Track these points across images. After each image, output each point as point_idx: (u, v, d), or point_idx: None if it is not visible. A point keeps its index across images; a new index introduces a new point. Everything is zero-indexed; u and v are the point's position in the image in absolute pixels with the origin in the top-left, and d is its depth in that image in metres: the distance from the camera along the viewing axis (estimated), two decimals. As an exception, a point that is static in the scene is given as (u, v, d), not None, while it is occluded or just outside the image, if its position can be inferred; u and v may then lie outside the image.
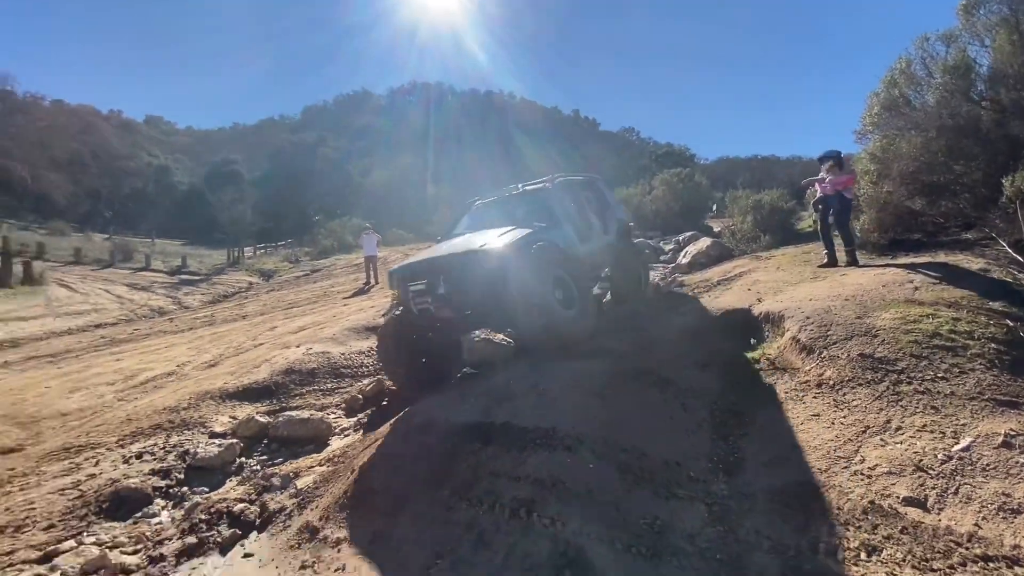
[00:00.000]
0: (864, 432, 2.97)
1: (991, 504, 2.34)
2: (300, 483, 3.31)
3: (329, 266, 20.16)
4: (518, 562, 2.26)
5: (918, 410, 3.02)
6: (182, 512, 3.12)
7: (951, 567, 2.10)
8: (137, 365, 6.15)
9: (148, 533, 2.93)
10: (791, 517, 2.54)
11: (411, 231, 27.87)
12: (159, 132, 69.73)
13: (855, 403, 3.21)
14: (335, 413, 4.64)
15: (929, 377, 3.23)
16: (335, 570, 2.41)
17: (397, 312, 5.06)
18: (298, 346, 6.20)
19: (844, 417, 3.14)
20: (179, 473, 3.54)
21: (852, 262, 5.62)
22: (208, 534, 2.86)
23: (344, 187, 38.13)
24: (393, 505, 2.77)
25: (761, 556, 2.30)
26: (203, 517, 2.99)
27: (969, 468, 2.57)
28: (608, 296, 6.95)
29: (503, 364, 4.74)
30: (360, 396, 4.97)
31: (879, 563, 2.17)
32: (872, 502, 2.49)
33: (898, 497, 2.48)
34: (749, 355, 4.26)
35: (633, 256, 6.76)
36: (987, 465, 2.55)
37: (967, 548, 2.18)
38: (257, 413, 4.45)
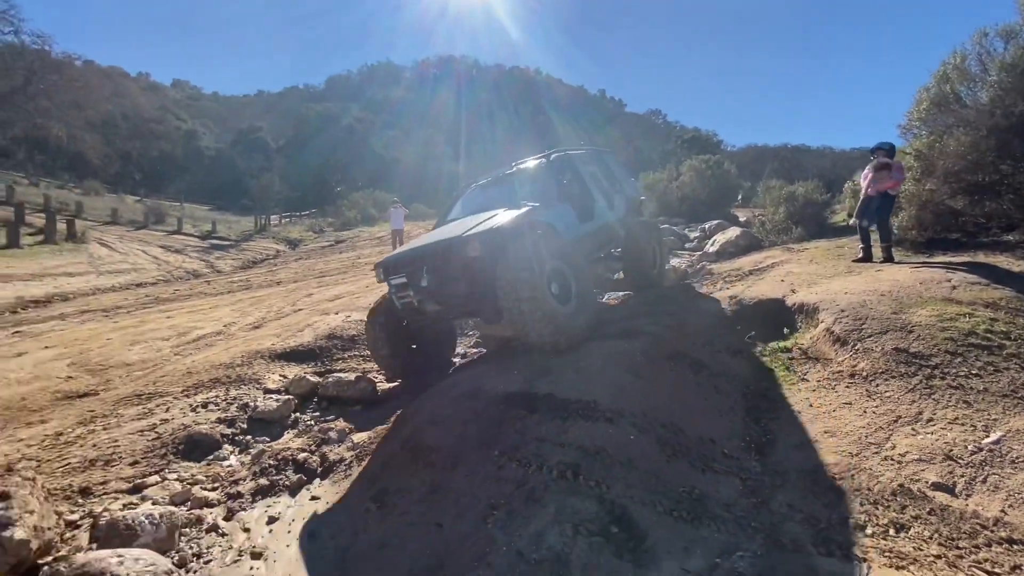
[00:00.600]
0: (896, 421, 3.10)
1: (1018, 493, 2.47)
2: (356, 438, 3.57)
3: (352, 238, 20.48)
4: (568, 517, 2.47)
5: (950, 404, 3.13)
6: (250, 457, 3.40)
7: (976, 547, 2.26)
8: (187, 323, 6.48)
9: (222, 473, 3.21)
10: (822, 494, 2.70)
11: (433, 206, 28.04)
12: (185, 96, 70.37)
13: (888, 394, 3.33)
14: (377, 378, 4.89)
15: (963, 373, 3.33)
16: (399, 513, 2.66)
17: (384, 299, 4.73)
18: (337, 313, 6.47)
19: (876, 407, 3.27)
20: (242, 423, 3.83)
21: (888, 258, 5.63)
22: (277, 477, 3.13)
23: (367, 159, 38.27)
24: (447, 461, 3.00)
25: (793, 526, 2.48)
26: (271, 463, 3.26)
27: (998, 460, 2.69)
28: (621, 275, 6.82)
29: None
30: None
31: (907, 539, 2.33)
32: (901, 485, 2.64)
33: (927, 482, 2.62)
34: (782, 344, 4.37)
35: (645, 233, 6.23)
36: (1016, 458, 2.67)
37: (992, 531, 2.32)
38: (305, 373, 4.72)
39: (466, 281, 4.00)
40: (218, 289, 10.11)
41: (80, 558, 2.00)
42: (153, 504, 2.77)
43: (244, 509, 2.87)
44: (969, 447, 2.79)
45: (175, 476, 3.12)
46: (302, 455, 3.36)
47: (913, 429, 3.01)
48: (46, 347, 5.50)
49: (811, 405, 3.53)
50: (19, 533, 2.26)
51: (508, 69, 76.44)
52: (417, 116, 50.85)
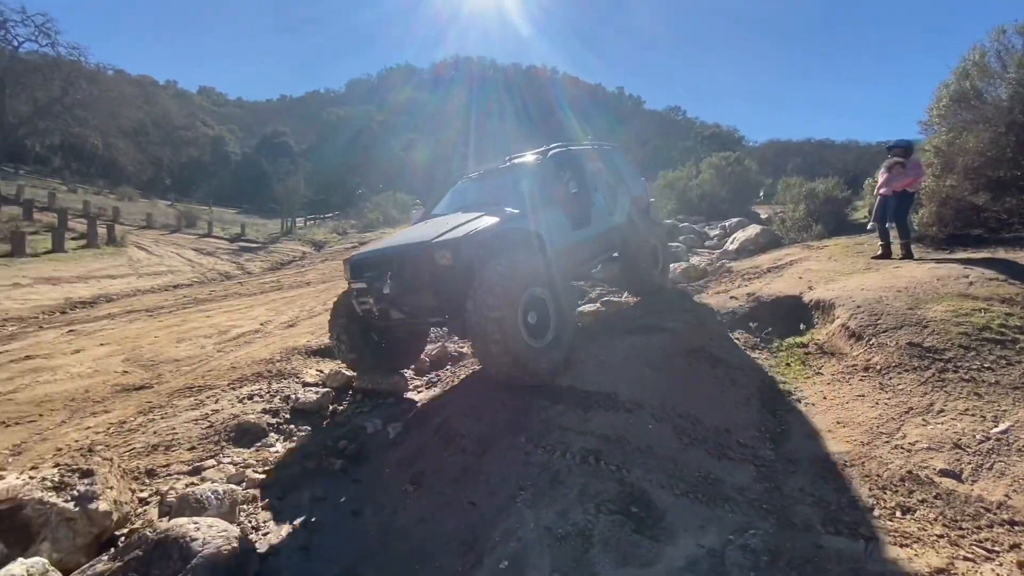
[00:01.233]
0: (907, 412, 3.22)
1: (1023, 479, 2.59)
2: (391, 427, 3.82)
3: (375, 239, 20.95)
4: (591, 497, 2.67)
5: (961, 396, 3.24)
6: (294, 444, 3.69)
7: (978, 527, 2.39)
8: (226, 322, 6.86)
9: (270, 458, 3.50)
10: (833, 480, 2.85)
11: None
12: (211, 102, 72.31)
13: (900, 387, 3.45)
14: (407, 372, 5.15)
15: (975, 367, 3.42)
16: (435, 493, 2.90)
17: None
18: (366, 312, 6.77)
19: (888, 399, 3.39)
20: (285, 414, 4.12)
21: (907, 255, 5.68)
22: (321, 462, 3.40)
23: (386, 161, 38.94)
24: (477, 447, 3.23)
25: (804, 508, 2.64)
26: (314, 449, 3.54)
27: (1005, 448, 2.80)
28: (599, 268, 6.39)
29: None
30: (427, 359, 5.47)
31: (912, 520, 2.47)
32: (910, 472, 2.77)
33: (935, 469, 2.75)
34: (798, 339, 4.49)
35: (646, 239, 5.77)
36: (1023, 447, 2.78)
37: (995, 514, 2.45)
38: (340, 368, 5.01)
39: (433, 291, 3.62)
40: (251, 290, 10.56)
41: (162, 524, 2.28)
42: (213, 483, 3.06)
43: (293, 491, 3.14)
44: (977, 436, 2.90)
45: (229, 460, 3.42)
46: (342, 443, 3.62)
47: (924, 420, 3.12)
48: (101, 344, 5.92)
49: (825, 397, 3.66)
50: (102, 505, 2.56)
51: (524, 68, 76.67)
52: (435, 117, 51.45)
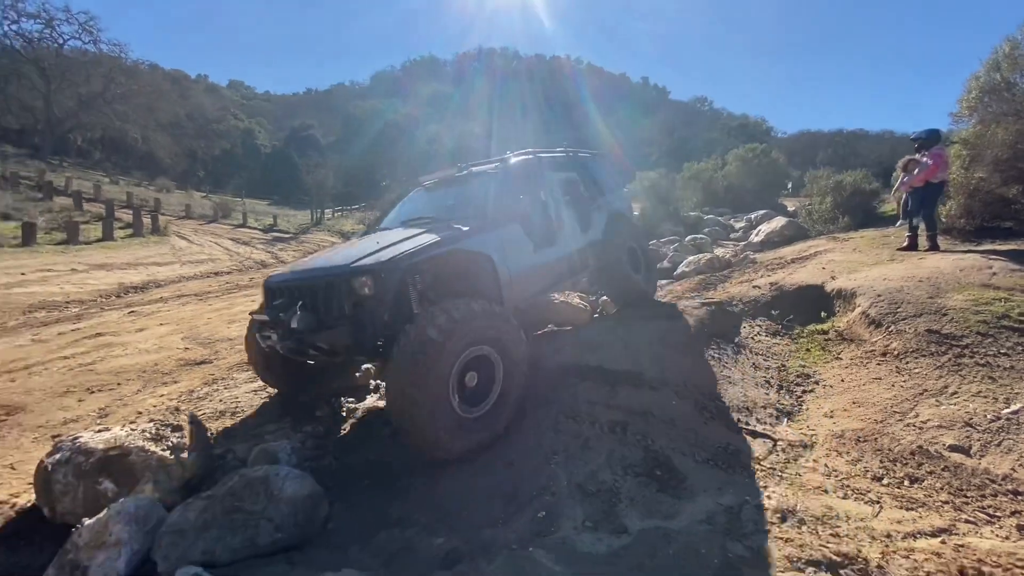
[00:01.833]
0: (921, 394, 3.39)
1: (1029, 454, 2.75)
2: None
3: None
4: (618, 461, 2.94)
5: (975, 379, 3.39)
6: (345, 413, 4.05)
7: (982, 496, 2.58)
8: (270, 306, 7.31)
9: (322, 429, 3.86)
10: (846, 453, 3.05)
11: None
12: (241, 96, 73.94)
13: (916, 370, 3.61)
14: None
15: (992, 352, 3.56)
16: (468, 459, 3.20)
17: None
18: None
19: (904, 381, 3.56)
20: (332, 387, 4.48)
21: (933, 247, 5.75)
22: (374, 431, 3.74)
23: (412, 153, 39.44)
24: (514, 417, 3.52)
25: (817, 476, 2.85)
26: (368, 419, 3.89)
27: (1015, 427, 2.96)
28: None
29: (587, 323, 5.36)
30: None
31: (919, 488, 2.67)
32: (920, 447, 2.96)
33: (944, 444, 2.93)
34: (819, 327, 4.65)
35: (623, 259, 5.05)
36: (1032, 426, 2.93)
37: (999, 485, 2.63)
38: (380, 348, 5.37)
39: (351, 327, 2.98)
40: (287, 277, 11.07)
41: (248, 470, 2.64)
42: (283, 441, 3.42)
43: (350, 452, 3.49)
44: (988, 416, 3.07)
45: (288, 425, 3.79)
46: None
47: (937, 401, 3.29)
48: (161, 324, 6.41)
49: (842, 380, 3.84)
50: (190, 455, 2.94)
51: (548, 59, 76.20)
52: (458, 109, 51.72)
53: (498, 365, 3.23)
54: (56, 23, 32.75)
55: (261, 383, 4.37)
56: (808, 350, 4.40)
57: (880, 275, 4.93)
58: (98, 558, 2.21)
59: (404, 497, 2.91)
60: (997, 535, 2.33)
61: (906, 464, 2.86)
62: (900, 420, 3.22)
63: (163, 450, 2.81)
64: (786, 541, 2.28)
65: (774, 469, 2.95)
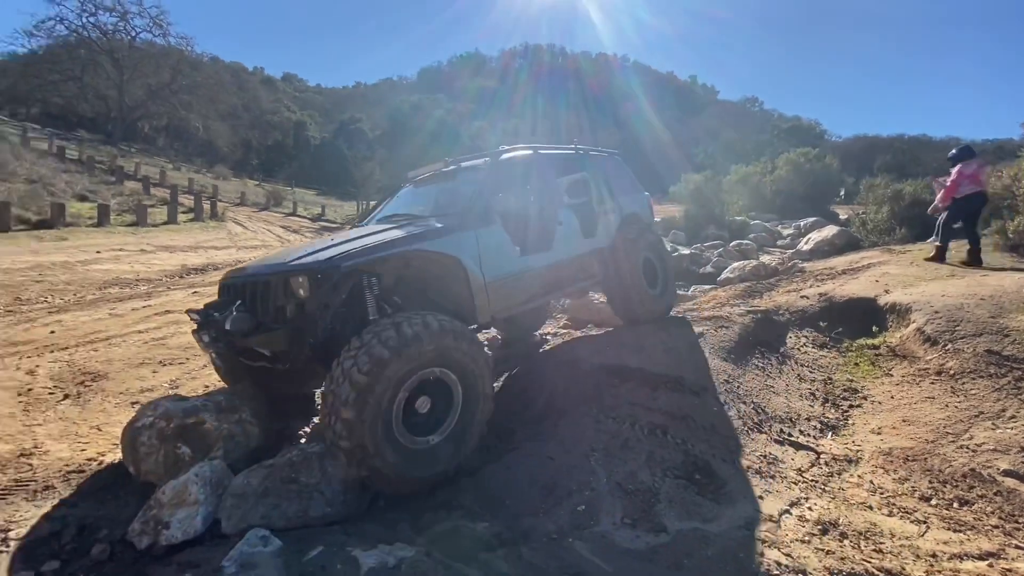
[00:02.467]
0: (977, 416, 3.28)
1: (1093, 486, 2.65)
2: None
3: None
4: (657, 463, 2.99)
5: (1037, 404, 3.25)
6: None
7: (1036, 524, 2.50)
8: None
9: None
10: (893, 471, 3.00)
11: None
12: (293, 89, 76.62)
13: (973, 392, 3.49)
14: (487, 345, 5.64)
15: (1057, 378, 3.40)
16: (516, 447, 3.32)
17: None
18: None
19: (959, 402, 3.44)
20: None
21: (974, 261, 5.93)
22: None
23: (456, 149, 40.02)
24: (555, 413, 3.62)
25: (862, 492, 2.83)
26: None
27: (1078, 456, 2.84)
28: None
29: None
30: (499, 337, 5.94)
31: (968, 511, 2.61)
32: (973, 470, 2.88)
33: (998, 469, 2.84)
34: (870, 341, 4.53)
35: (636, 270, 4.60)
36: (1099, 456, 2.81)
37: (1057, 514, 2.54)
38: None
39: (288, 332, 2.72)
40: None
41: (306, 445, 2.85)
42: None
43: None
44: (1050, 443, 2.94)
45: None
46: (432, 401, 4.13)
47: (994, 424, 3.18)
48: (221, 305, 6.85)
49: (892, 397, 3.74)
50: (255, 428, 3.18)
51: (594, 56, 75.42)
52: (503, 105, 52.01)
53: (456, 390, 2.86)
54: (130, 16, 34.94)
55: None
56: (857, 364, 4.30)
57: (938, 291, 4.74)
58: (178, 515, 2.45)
59: (449, 483, 3.06)
60: (1051, 564, 2.27)
61: (956, 486, 2.80)
62: (953, 441, 3.13)
63: (233, 421, 3.06)
64: (827, 553, 2.30)
65: (816, 482, 2.94)
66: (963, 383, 3.58)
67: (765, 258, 9.56)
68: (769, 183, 17.61)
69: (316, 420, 3.46)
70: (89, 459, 3.13)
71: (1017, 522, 2.50)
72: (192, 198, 17.69)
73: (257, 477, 2.60)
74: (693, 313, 5.18)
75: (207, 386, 4.20)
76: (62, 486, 2.83)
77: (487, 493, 2.91)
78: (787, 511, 2.64)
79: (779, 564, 2.21)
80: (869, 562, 2.22)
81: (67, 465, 3.01)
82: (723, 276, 8.06)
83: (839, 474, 3.02)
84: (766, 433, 3.41)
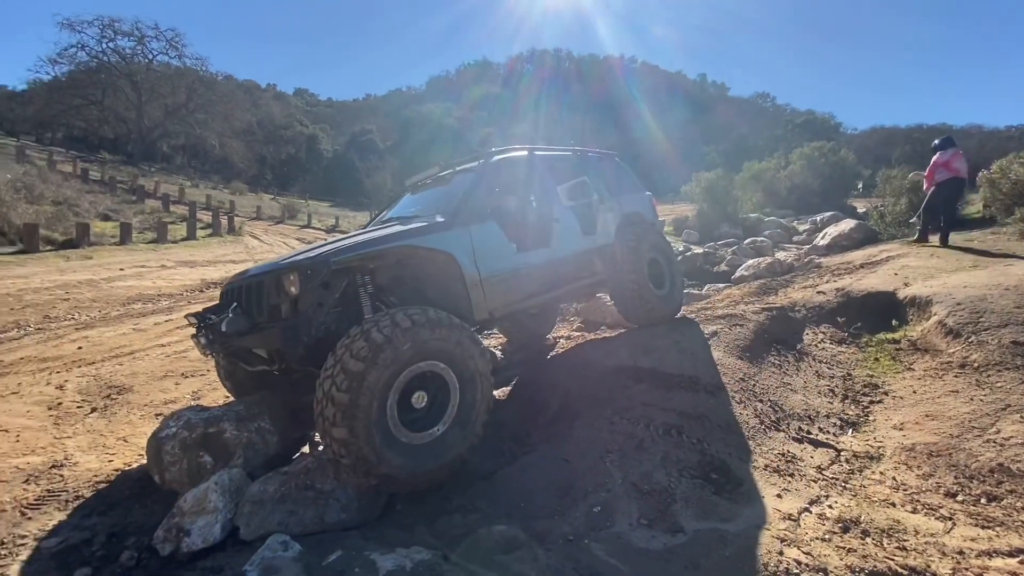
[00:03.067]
0: (1004, 409, 3.19)
1: None
2: (495, 394, 4.31)
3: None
4: (673, 463, 2.97)
5: (1068, 396, 3.15)
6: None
7: (1068, 518, 2.42)
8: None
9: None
10: (917, 467, 2.94)
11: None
12: (305, 103, 77.98)
13: (999, 384, 3.39)
14: (496, 350, 5.66)
15: (1088, 368, 3.29)
16: (531, 450, 3.33)
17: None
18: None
19: (984, 395, 3.36)
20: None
21: (943, 242, 6.84)
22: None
23: (465, 156, 40.34)
24: (567, 415, 3.62)
25: (884, 489, 2.77)
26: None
27: (1112, 449, 2.74)
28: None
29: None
30: (509, 341, 5.96)
31: (997, 507, 2.54)
32: (1001, 464, 2.80)
33: (1028, 463, 2.76)
34: (890, 335, 4.45)
35: (641, 269, 4.55)
36: None
37: (1091, 508, 2.46)
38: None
39: (281, 330, 2.74)
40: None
41: (321, 452, 2.89)
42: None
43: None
44: (1081, 435, 2.85)
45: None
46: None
47: (1022, 417, 3.09)
48: (239, 317, 6.98)
49: (914, 392, 3.66)
50: (272, 438, 3.23)
51: (601, 59, 75.43)
52: (510, 111, 52.32)
53: (449, 376, 2.82)
54: (147, 40, 36.03)
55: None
56: (877, 359, 4.21)
57: (960, 282, 4.63)
58: (199, 523, 2.51)
59: (465, 487, 3.07)
60: (1085, 560, 2.19)
61: (984, 482, 2.73)
62: (979, 436, 3.05)
63: (252, 430, 3.12)
64: (848, 551, 2.26)
65: (837, 479, 2.89)
66: (988, 376, 3.49)
67: (780, 255, 9.43)
68: (783, 179, 17.38)
69: None
70: (116, 469, 3.22)
71: (1048, 517, 2.43)
72: (210, 214, 18.09)
73: (274, 484, 2.65)
74: (706, 312, 5.14)
75: (227, 396, 4.29)
76: (92, 496, 2.91)
77: (503, 496, 2.92)
78: (806, 509, 2.60)
79: (799, 563, 2.18)
80: (892, 560, 2.17)
81: (96, 476, 3.10)
82: (737, 274, 7.97)
83: (860, 471, 2.97)
84: (784, 431, 3.36)
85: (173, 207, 19.57)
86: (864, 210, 14.05)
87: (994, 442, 2.98)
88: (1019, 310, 3.91)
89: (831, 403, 3.72)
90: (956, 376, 3.63)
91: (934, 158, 7.26)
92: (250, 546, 2.37)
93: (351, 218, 28.75)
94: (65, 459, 3.24)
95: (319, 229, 22.87)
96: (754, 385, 3.80)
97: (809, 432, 3.37)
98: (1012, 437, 2.97)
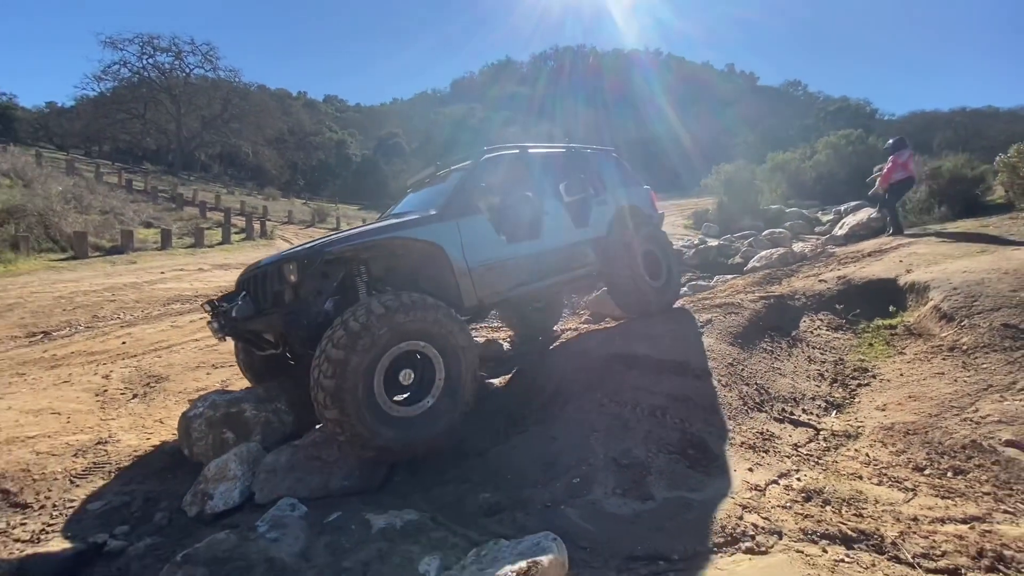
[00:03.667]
0: (985, 390, 3.25)
1: (1097, 453, 2.60)
2: (496, 381, 4.57)
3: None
4: (654, 441, 3.15)
5: (1051, 376, 3.18)
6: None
7: (1030, 490, 2.50)
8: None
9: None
10: (892, 444, 3.03)
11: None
12: (334, 109, 79.92)
13: (984, 366, 3.44)
14: (504, 343, 5.91)
15: (1075, 349, 3.30)
16: (523, 430, 3.56)
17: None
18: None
19: (968, 376, 3.41)
20: (406, 369, 5.04)
21: (894, 233, 7.57)
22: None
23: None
24: (560, 399, 3.83)
25: (854, 463, 2.89)
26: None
27: (1088, 426, 2.78)
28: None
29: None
30: (513, 335, 6.19)
31: (962, 480, 2.64)
32: (973, 441, 2.88)
33: (1000, 439, 2.83)
34: (887, 321, 4.48)
35: (635, 261, 4.69)
36: (1109, 424, 2.75)
37: (1055, 481, 2.53)
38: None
39: (282, 316, 3.01)
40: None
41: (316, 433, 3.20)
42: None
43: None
44: (1058, 413, 2.90)
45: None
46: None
47: (1001, 396, 3.15)
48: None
49: (902, 375, 3.73)
50: (288, 417, 3.56)
51: (626, 53, 74.61)
52: (535, 110, 52.44)
53: (431, 352, 3.03)
54: (184, 54, 37.79)
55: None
56: (871, 345, 4.27)
57: (961, 268, 4.62)
58: (220, 488, 2.85)
59: (460, 462, 3.33)
60: (1038, 526, 2.28)
61: (954, 457, 2.81)
62: (957, 415, 3.12)
63: (269, 410, 3.47)
64: (805, 517, 2.41)
65: (811, 455, 3.02)
66: (975, 358, 3.53)
67: (798, 246, 9.35)
68: (809, 169, 16.99)
69: None
70: (153, 446, 3.62)
71: (1010, 489, 2.51)
72: (244, 219, 18.97)
73: (285, 455, 2.97)
74: (705, 301, 5.25)
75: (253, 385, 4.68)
76: (131, 467, 3.30)
77: (493, 469, 3.17)
78: (774, 481, 2.75)
79: (755, 526, 2.34)
80: (845, 524, 2.31)
81: (135, 451, 3.50)
82: (750, 265, 7.98)
83: (835, 448, 3.09)
84: (767, 412, 3.49)
85: (210, 213, 20.58)
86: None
87: (971, 420, 3.05)
88: (1014, 293, 3.91)
89: (819, 386, 3.82)
90: (944, 359, 3.68)
91: (891, 157, 8.03)
92: (264, 508, 2.69)
93: (377, 220, 29.61)
94: (109, 437, 3.66)
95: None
96: (742, 369, 3.92)
97: (792, 413, 3.49)
98: (989, 416, 3.03)
